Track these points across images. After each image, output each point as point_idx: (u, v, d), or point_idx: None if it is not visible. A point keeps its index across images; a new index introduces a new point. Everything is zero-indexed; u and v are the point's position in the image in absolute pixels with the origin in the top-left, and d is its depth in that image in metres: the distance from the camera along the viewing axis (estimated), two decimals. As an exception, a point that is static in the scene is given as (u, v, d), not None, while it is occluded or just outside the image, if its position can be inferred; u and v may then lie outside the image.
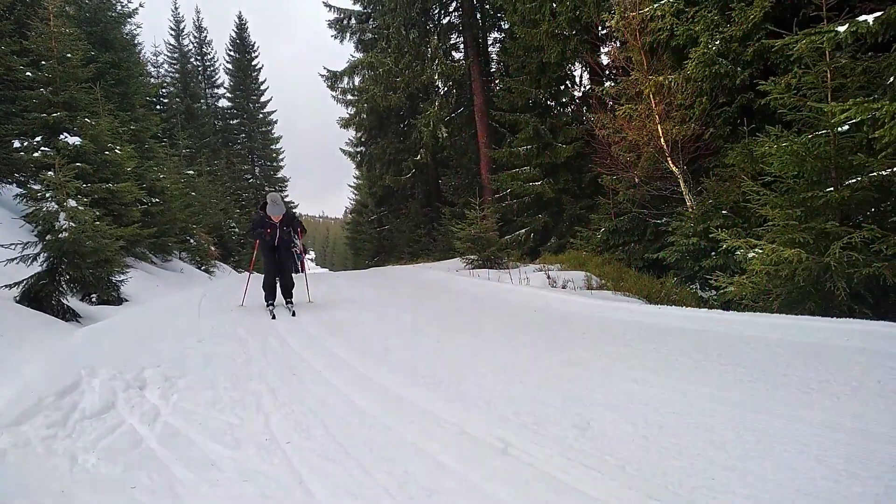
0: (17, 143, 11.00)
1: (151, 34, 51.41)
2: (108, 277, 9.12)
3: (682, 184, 10.06)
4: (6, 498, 2.33)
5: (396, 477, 2.53)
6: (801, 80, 6.19)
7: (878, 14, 4.92)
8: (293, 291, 8.82)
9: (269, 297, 8.64)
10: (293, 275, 8.96)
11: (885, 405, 2.97)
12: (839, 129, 5.91)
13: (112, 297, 9.37)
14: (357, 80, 22.36)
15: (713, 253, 8.83)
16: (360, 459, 2.75)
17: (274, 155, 40.23)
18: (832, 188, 5.84)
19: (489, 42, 22.59)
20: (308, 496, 2.36)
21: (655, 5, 10.45)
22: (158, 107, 23.19)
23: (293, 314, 8.14)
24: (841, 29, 5.16)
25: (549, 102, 17.89)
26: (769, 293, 6.32)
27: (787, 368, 3.77)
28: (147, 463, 2.78)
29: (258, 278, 9.90)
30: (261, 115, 39.96)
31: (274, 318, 7.93)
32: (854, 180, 5.70)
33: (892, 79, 5.13)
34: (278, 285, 8.83)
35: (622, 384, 3.77)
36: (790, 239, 5.83)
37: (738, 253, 7.94)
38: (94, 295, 9.08)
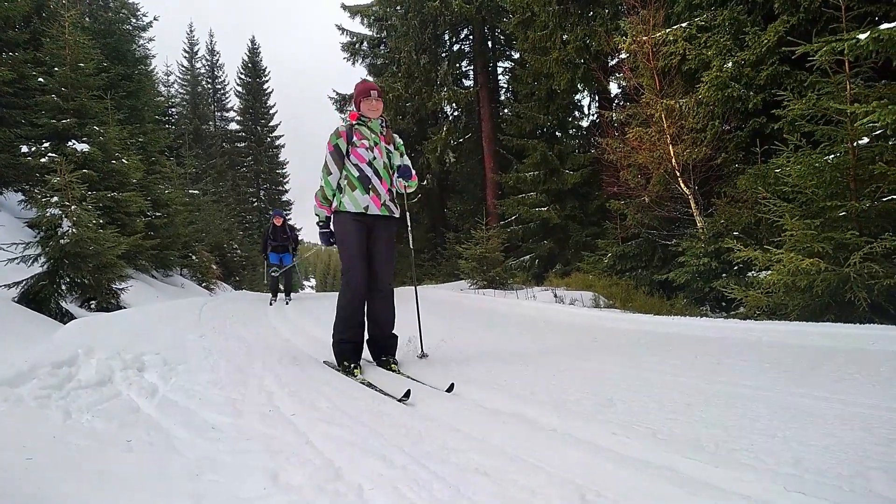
0: (24, 149, 10.99)
1: (164, 55, 51.59)
2: (109, 284, 9.01)
3: (692, 205, 9.98)
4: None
5: (411, 437, 2.38)
6: (819, 92, 6.16)
7: (901, 20, 4.88)
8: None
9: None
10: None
11: (928, 393, 2.82)
12: (859, 141, 5.85)
13: (111, 304, 9.21)
14: (366, 104, 22.50)
15: (724, 274, 8.69)
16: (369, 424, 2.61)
17: (280, 178, 40.46)
18: (852, 200, 5.75)
19: (499, 70, 22.85)
20: (315, 452, 2.20)
21: (667, 30, 10.52)
22: (167, 126, 23.30)
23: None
24: (862, 36, 5.12)
25: (556, 133, 17.98)
26: (785, 306, 6.17)
27: (814, 363, 3.63)
28: (144, 424, 2.62)
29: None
30: (269, 139, 40.32)
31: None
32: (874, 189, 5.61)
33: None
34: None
35: (641, 374, 3.62)
36: (808, 249, 5.70)
37: (751, 274, 7.84)
38: (93, 301, 8.94)
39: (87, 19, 15.26)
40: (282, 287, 12.34)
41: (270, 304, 11.17)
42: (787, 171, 6.36)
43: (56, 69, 11.35)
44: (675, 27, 10.47)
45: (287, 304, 11.19)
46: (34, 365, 3.32)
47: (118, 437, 2.36)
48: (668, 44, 10.34)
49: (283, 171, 41.01)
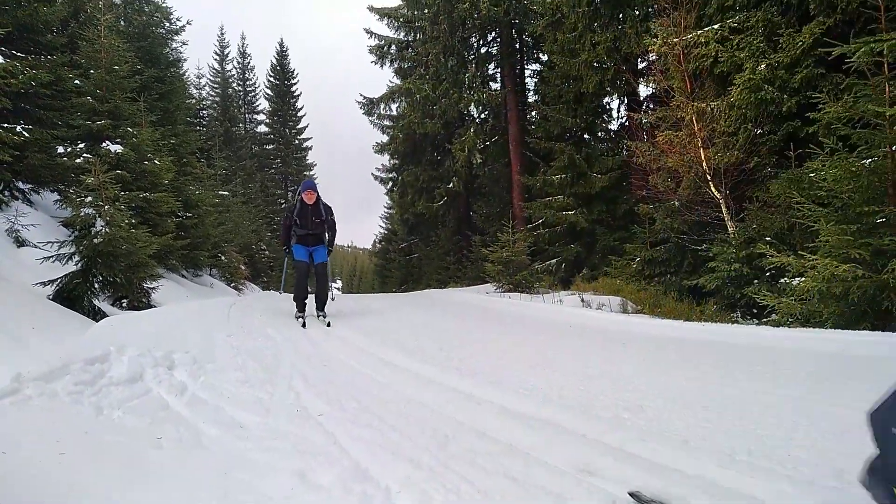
0: (60, 149, 11.23)
1: (196, 57, 52.73)
2: (140, 282, 9.14)
3: (724, 210, 9.81)
4: (31, 434, 2.22)
5: (438, 439, 2.36)
6: (857, 94, 6.01)
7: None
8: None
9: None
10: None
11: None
12: (898, 145, 5.70)
13: (142, 303, 9.35)
14: (394, 106, 22.68)
15: (756, 280, 8.52)
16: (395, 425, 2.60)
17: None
18: (891, 205, 5.60)
19: (526, 73, 22.78)
20: (342, 452, 2.19)
21: (699, 32, 10.36)
22: (198, 128, 23.66)
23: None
24: (903, 37, 4.99)
25: (584, 136, 17.83)
26: (819, 313, 6.02)
27: (851, 373, 3.53)
28: (174, 421, 2.65)
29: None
30: (297, 141, 40.68)
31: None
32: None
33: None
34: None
35: (672, 380, 3.55)
36: (844, 255, 5.56)
37: (784, 280, 7.66)
38: (125, 300, 9.08)
39: (121, 23, 15.57)
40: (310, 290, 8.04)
41: (303, 325, 7.06)
42: (822, 175, 6.21)
43: (91, 72, 11.59)
44: (706, 29, 10.30)
45: (328, 325, 7.16)
46: (68, 361, 3.38)
47: (148, 434, 2.39)
48: (700, 46, 10.17)
49: (312, 173, 41.34)
